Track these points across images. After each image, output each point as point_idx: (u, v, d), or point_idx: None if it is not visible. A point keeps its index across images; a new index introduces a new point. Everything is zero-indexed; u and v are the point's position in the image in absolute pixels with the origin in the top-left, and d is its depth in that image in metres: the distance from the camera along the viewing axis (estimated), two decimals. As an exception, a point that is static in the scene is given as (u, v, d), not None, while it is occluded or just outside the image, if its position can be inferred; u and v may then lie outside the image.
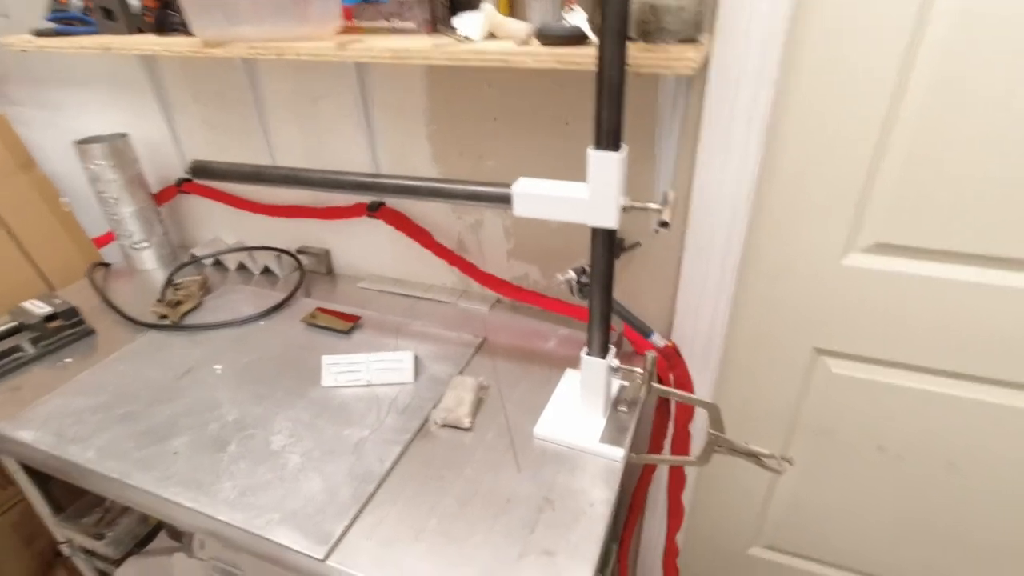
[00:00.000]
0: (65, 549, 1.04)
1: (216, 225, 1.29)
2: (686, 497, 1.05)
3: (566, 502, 0.68)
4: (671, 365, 0.92)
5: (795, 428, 1.04)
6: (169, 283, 1.11)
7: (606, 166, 0.58)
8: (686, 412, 0.94)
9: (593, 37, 0.62)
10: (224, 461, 0.74)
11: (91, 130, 1.24)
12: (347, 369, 0.86)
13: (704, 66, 0.73)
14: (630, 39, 0.59)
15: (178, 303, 1.05)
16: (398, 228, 1.06)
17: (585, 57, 0.60)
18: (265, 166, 0.78)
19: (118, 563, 1.04)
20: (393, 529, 0.65)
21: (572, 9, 0.62)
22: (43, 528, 1.03)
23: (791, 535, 1.18)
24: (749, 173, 0.78)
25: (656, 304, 0.96)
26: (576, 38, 0.62)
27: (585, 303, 0.71)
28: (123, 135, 1.13)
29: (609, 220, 0.61)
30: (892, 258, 0.83)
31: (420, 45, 0.69)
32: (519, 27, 0.69)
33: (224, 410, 0.82)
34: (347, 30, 0.81)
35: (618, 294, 0.97)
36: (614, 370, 0.75)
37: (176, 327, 1.01)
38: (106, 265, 1.24)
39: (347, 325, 1.00)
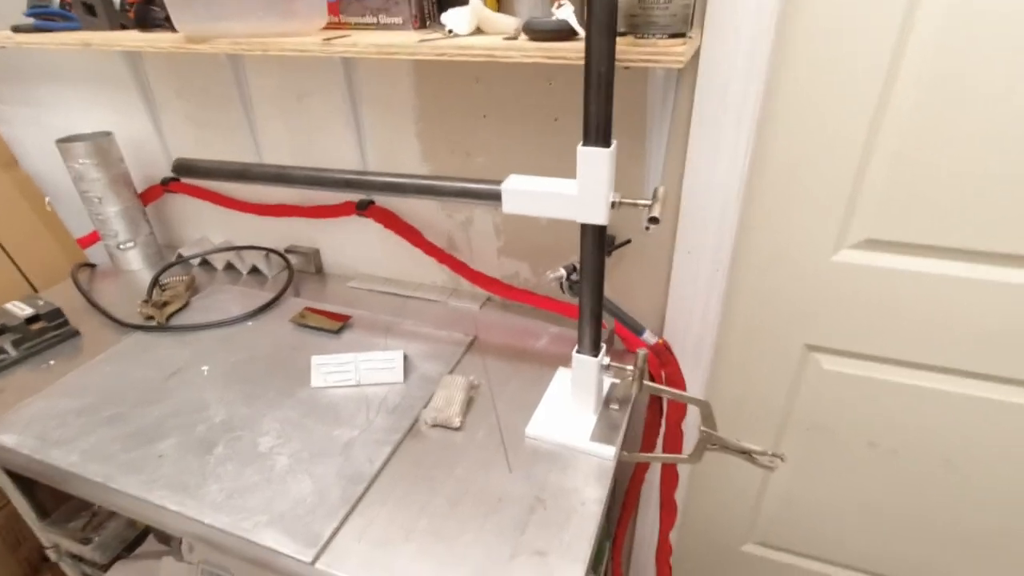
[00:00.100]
0: (51, 554, 1.02)
1: (203, 224, 1.28)
2: (679, 495, 1.05)
3: (558, 501, 0.67)
4: (663, 362, 0.91)
5: (787, 424, 1.04)
6: (155, 283, 1.10)
7: (595, 162, 0.57)
8: (678, 410, 0.93)
9: (581, 31, 0.61)
10: (211, 463, 0.73)
11: (74, 128, 1.22)
12: (336, 369, 0.85)
13: (694, 61, 0.73)
14: (619, 34, 0.59)
15: (165, 304, 1.04)
16: (387, 226, 1.05)
17: (573, 52, 0.59)
18: (251, 164, 0.77)
19: (106, 568, 1.02)
20: (383, 530, 0.64)
21: (560, 3, 0.61)
22: (29, 533, 1.02)
23: (784, 531, 1.18)
24: (739, 169, 0.77)
25: (647, 301, 0.96)
26: (564, 32, 0.61)
27: (576, 301, 0.70)
28: (107, 133, 1.12)
29: (599, 216, 0.60)
30: (883, 254, 0.83)
31: (406, 40, 0.68)
32: (507, 22, 0.68)
33: (211, 411, 0.81)
34: (333, 26, 0.80)
35: (609, 291, 0.96)
36: (605, 368, 0.74)
37: (163, 328, 1.00)
38: (91, 266, 1.22)
39: (337, 325, 0.99)
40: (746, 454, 0.69)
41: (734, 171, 0.78)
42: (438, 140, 0.95)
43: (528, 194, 0.62)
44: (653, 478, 1.09)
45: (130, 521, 1.03)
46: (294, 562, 0.62)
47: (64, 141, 1.07)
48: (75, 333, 0.99)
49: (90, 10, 0.85)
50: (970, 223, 0.77)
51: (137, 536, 1.05)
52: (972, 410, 0.90)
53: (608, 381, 0.82)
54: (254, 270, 1.18)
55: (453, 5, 0.71)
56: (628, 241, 0.91)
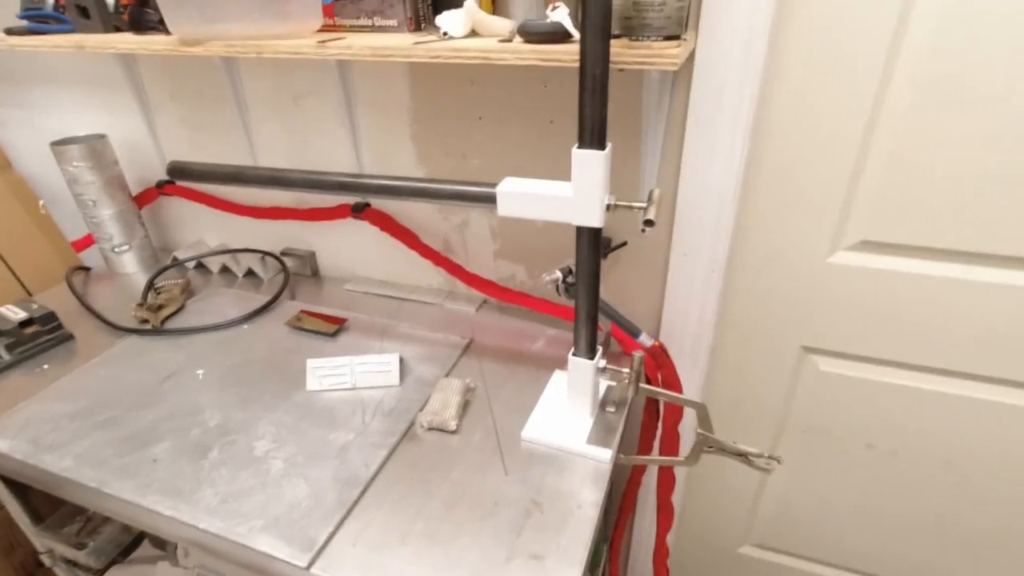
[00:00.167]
0: (46, 559, 1.01)
1: (198, 227, 1.27)
2: (676, 497, 1.05)
3: (554, 504, 0.67)
4: (659, 365, 0.91)
5: (784, 426, 1.04)
6: (150, 286, 1.09)
7: (590, 164, 0.57)
8: (675, 412, 0.93)
9: (576, 34, 0.61)
10: (206, 468, 0.73)
11: (68, 130, 1.21)
12: (332, 372, 0.85)
13: (689, 62, 0.73)
14: (613, 36, 0.59)
15: (160, 307, 1.03)
16: (383, 229, 1.05)
17: (568, 54, 0.59)
18: (246, 167, 0.77)
19: (101, 573, 1.02)
20: (379, 534, 0.64)
21: (555, 6, 0.61)
22: (23, 538, 1.01)
23: (782, 533, 1.18)
24: (735, 170, 0.78)
25: (644, 303, 0.96)
26: (559, 35, 0.61)
27: (572, 303, 0.70)
28: (101, 136, 1.11)
29: (594, 219, 0.60)
30: (878, 256, 0.84)
31: (401, 43, 0.68)
32: (502, 24, 0.68)
33: (206, 415, 0.81)
34: (328, 28, 0.80)
35: (605, 293, 0.96)
36: (601, 371, 0.74)
37: (158, 331, 0.99)
38: (85, 269, 1.22)
39: (332, 328, 0.98)
40: (743, 456, 0.69)
41: (730, 173, 0.78)
42: (433, 142, 0.95)
43: (523, 197, 0.62)
44: (650, 480, 1.09)
45: (125, 526, 1.02)
46: (289, 567, 0.61)
47: (58, 144, 1.06)
48: (69, 337, 0.99)
49: (84, 12, 0.85)
50: (966, 225, 0.77)
51: (132, 541, 1.04)
52: (969, 411, 0.90)
53: (604, 384, 0.82)
54: (250, 273, 1.18)
55: (448, 7, 0.71)
56: (624, 243, 0.90)
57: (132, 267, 1.20)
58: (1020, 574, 1.01)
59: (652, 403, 0.96)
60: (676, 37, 0.59)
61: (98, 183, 1.10)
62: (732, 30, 0.69)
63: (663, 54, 0.57)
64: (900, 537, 1.07)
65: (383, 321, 1.01)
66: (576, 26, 0.60)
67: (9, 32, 0.89)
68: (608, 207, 0.60)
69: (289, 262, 1.18)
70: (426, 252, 1.05)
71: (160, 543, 1.04)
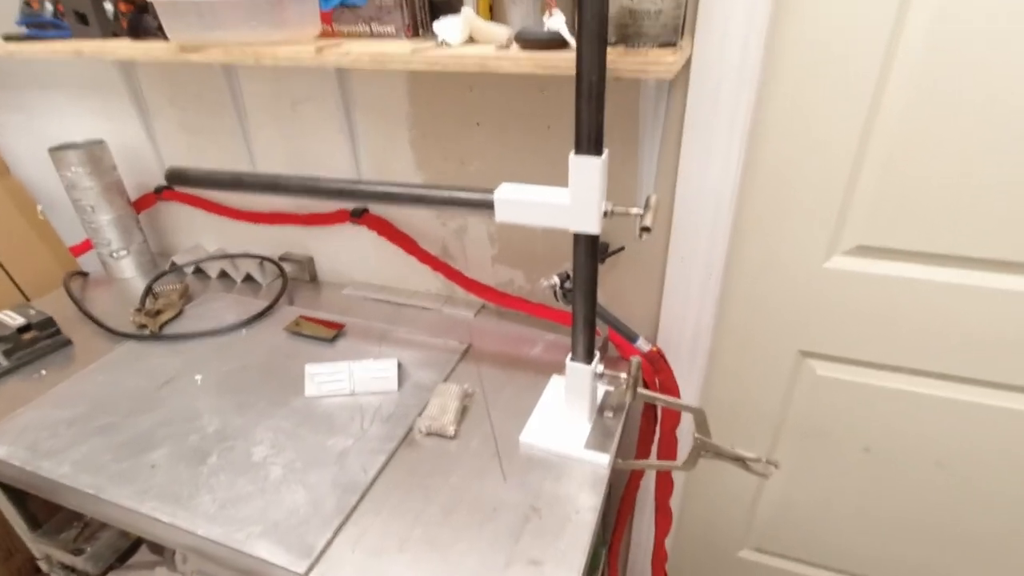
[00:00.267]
0: (43, 565, 1.01)
1: (197, 232, 1.27)
2: (674, 501, 1.05)
3: (552, 509, 0.67)
4: (657, 369, 0.91)
5: (781, 430, 1.05)
6: (149, 292, 1.10)
7: (587, 171, 0.57)
8: (672, 417, 0.93)
9: (573, 41, 0.61)
10: (204, 473, 0.73)
11: (67, 135, 1.21)
12: (330, 378, 0.85)
13: (685, 68, 0.73)
14: (610, 43, 0.59)
15: (158, 312, 1.03)
16: (382, 234, 1.05)
17: (565, 61, 0.60)
18: (244, 172, 0.77)
19: (98, 579, 1.01)
20: (377, 540, 0.64)
21: (552, 13, 0.61)
22: (20, 544, 1.01)
23: (780, 537, 1.18)
24: (731, 176, 0.78)
25: (641, 308, 0.96)
26: (556, 42, 0.61)
27: (570, 308, 0.71)
28: (100, 141, 1.11)
29: (591, 226, 0.60)
30: (874, 260, 0.84)
31: (399, 50, 0.68)
32: (499, 31, 0.69)
33: (204, 421, 0.81)
34: (327, 34, 0.80)
35: (603, 298, 0.97)
36: (599, 376, 0.74)
37: (156, 337, 0.99)
38: (83, 274, 1.21)
39: (331, 333, 0.98)
40: (740, 461, 0.69)
41: (726, 178, 0.78)
42: (432, 147, 0.95)
43: (520, 203, 0.62)
44: (648, 485, 1.09)
45: (123, 532, 1.02)
46: (288, 573, 0.61)
47: (57, 149, 1.06)
48: (67, 342, 0.99)
49: (82, 19, 0.85)
50: (961, 229, 0.77)
51: (130, 547, 1.04)
52: (965, 415, 0.90)
53: (602, 389, 0.83)
54: (248, 278, 1.18)
55: (446, 14, 0.71)
56: (622, 248, 0.91)
57: (130, 272, 1.20)
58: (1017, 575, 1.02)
59: (650, 408, 0.96)
60: (672, 45, 0.60)
61: (96, 188, 1.10)
62: (728, 37, 0.69)
63: (659, 62, 0.57)
64: (898, 540, 1.07)
65: (381, 326, 1.01)
66: (573, 34, 0.61)
67: (7, 38, 0.90)
68: (605, 213, 0.60)
69: (287, 267, 1.18)
70: (424, 257, 1.05)
71: (158, 549, 1.04)
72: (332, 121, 0.99)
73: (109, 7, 0.85)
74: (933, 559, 1.07)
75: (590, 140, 0.56)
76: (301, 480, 0.71)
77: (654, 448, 1.00)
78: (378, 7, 0.76)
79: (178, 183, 0.79)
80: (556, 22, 0.61)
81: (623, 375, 0.73)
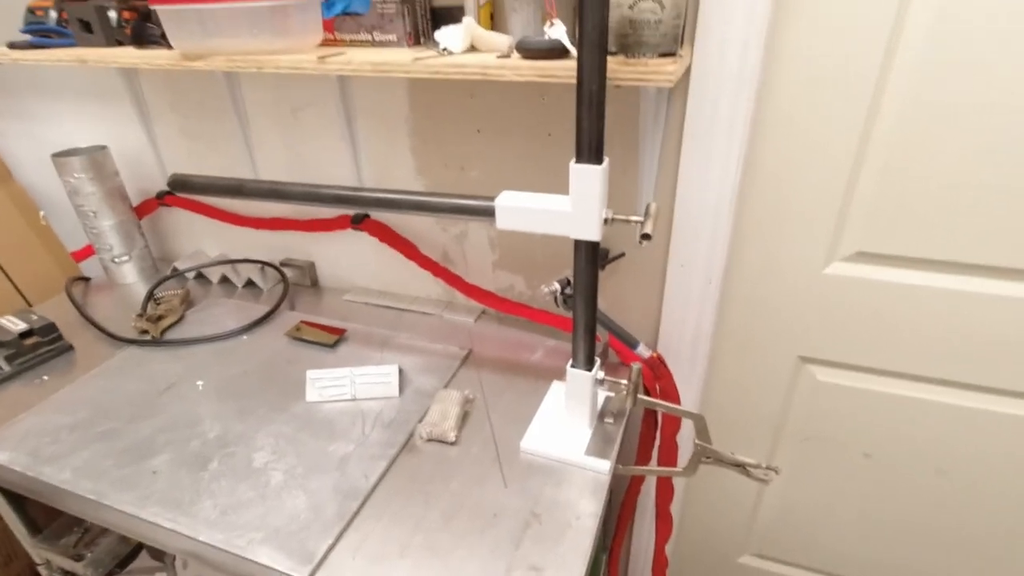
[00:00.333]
0: (43, 571, 1.01)
1: (198, 238, 1.28)
2: (675, 507, 1.05)
3: (553, 516, 0.67)
4: (657, 376, 0.92)
5: (781, 436, 1.05)
6: (150, 297, 1.10)
7: (588, 179, 0.58)
8: (673, 422, 0.94)
9: (573, 50, 0.62)
10: (205, 479, 0.73)
11: (69, 141, 1.22)
12: (332, 384, 0.85)
13: (685, 77, 0.74)
14: (610, 53, 0.60)
15: (159, 317, 1.04)
16: (382, 240, 1.05)
17: (565, 70, 0.60)
18: (247, 180, 0.78)
19: (98, 584, 1.01)
20: (378, 546, 0.64)
21: (553, 23, 0.62)
22: (20, 550, 1.01)
23: (781, 543, 1.18)
24: (731, 183, 0.78)
25: (641, 314, 0.96)
26: (556, 51, 0.62)
27: (570, 314, 0.71)
28: (102, 147, 1.12)
29: (592, 233, 0.61)
30: (874, 266, 0.84)
31: (401, 58, 0.69)
32: (500, 40, 0.69)
33: (206, 427, 0.81)
34: (328, 42, 0.81)
35: (603, 304, 0.97)
36: (600, 382, 0.74)
37: (157, 342, 1.00)
38: (85, 279, 1.22)
39: (332, 338, 0.99)
40: (740, 467, 0.69)
41: (726, 185, 0.79)
42: (432, 154, 0.96)
43: (521, 210, 0.63)
44: (649, 490, 1.09)
45: (123, 537, 1.02)
46: (288, 579, 0.61)
47: (59, 155, 1.07)
48: (69, 348, 0.99)
49: (86, 27, 0.86)
50: (960, 236, 0.78)
51: (130, 552, 1.04)
52: (965, 420, 0.90)
53: (603, 395, 0.83)
54: (249, 283, 1.18)
55: (447, 22, 0.72)
56: (622, 254, 0.91)
57: (132, 277, 1.20)
58: (1018, 583, 1.02)
59: (650, 414, 0.97)
60: (672, 54, 0.60)
61: (99, 194, 1.11)
62: (727, 46, 0.70)
63: (659, 71, 0.58)
64: (899, 546, 1.07)
65: (382, 332, 1.02)
66: (573, 43, 0.61)
67: (12, 46, 0.90)
68: (606, 221, 0.61)
69: (288, 272, 1.19)
70: (425, 263, 1.05)
71: (158, 554, 1.04)
72: (333, 127, 0.99)
73: (113, 15, 0.86)
74: (934, 565, 1.07)
75: (591, 148, 0.57)
76: (302, 486, 0.71)
77: (654, 454, 1.00)
78: (380, 15, 0.76)
79: (181, 190, 0.79)
80: (557, 31, 0.61)
81: (623, 381, 0.73)
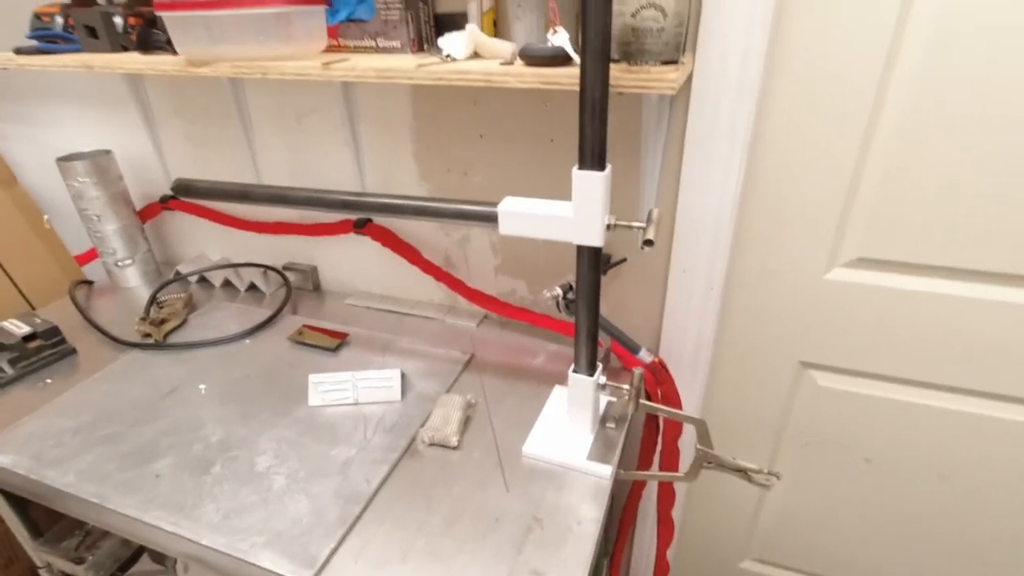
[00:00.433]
0: (44, 574, 1.01)
1: (201, 241, 1.28)
2: (676, 512, 1.05)
3: (555, 520, 0.67)
4: (659, 381, 0.92)
5: (783, 440, 1.05)
6: (153, 301, 1.10)
7: (590, 185, 0.58)
8: (674, 428, 0.94)
9: (576, 58, 0.62)
10: (208, 483, 0.73)
11: (73, 145, 1.23)
12: (334, 388, 0.86)
13: (687, 83, 0.74)
14: (613, 60, 0.60)
15: (162, 321, 1.04)
16: (385, 244, 1.06)
17: (568, 77, 0.60)
18: (251, 185, 0.78)
19: (99, 588, 1.01)
20: (380, 550, 0.64)
21: (556, 30, 0.62)
22: (21, 552, 1.01)
23: (782, 548, 1.18)
24: (732, 189, 0.79)
25: (643, 319, 0.97)
26: (559, 59, 0.62)
27: (572, 319, 0.71)
28: (107, 152, 1.12)
29: (594, 239, 0.61)
30: (874, 272, 0.85)
31: (404, 64, 0.69)
32: (503, 47, 0.70)
33: (208, 430, 0.81)
34: (332, 48, 0.82)
35: (605, 309, 0.97)
36: (601, 387, 0.75)
37: (160, 345, 1.00)
38: (89, 283, 1.22)
39: (334, 342, 0.99)
40: (742, 472, 0.70)
41: (727, 191, 0.79)
42: (435, 159, 0.96)
43: (524, 216, 0.63)
44: (650, 495, 1.09)
45: (124, 540, 1.02)
46: (291, 584, 0.61)
47: (64, 159, 1.07)
48: (72, 351, 0.99)
49: (92, 32, 0.87)
50: (960, 242, 0.78)
51: (131, 556, 1.04)
52: (967, 426, 0.90)
53: (604, 399, 0.83)
54: (252, 287, 1.19)
55: (450, 29, 0.72)
56: (624, 260, 0.91)
57: (135, 281, 1.21)
58: (1020, 590, 1.01)
59: (652, 419, 0.97)
60: (674, 62, 0.61)
61: (103, 198, 1.11)
62: (728, 53, 0.70)
63: (661, 78, 0.58)
64: (900, 550, 1.07)
65: (384, 336, 1.02)
66: (576, 50, 0.62)
67: (18, 52, 0.91)
68: (608, 227, 0.61)
69: (291, 276, 1.19)
70: (427, 267, 1.06)
71: (159, 558, 1.04)
72: (337, 133, 1.00)
73: (119, 21, 0.86)
74: (935, 570, 1.06)
75: (593, 155, 0.57)
76: (304, 490, 0.71)
77: (656, 459, 1.00)
78: (384, 22, 0.77)
79: (186, 195, 0.80)
80: (560, 39, 0.62)
81: (625, 386, 0.73)
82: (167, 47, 0.84)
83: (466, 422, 0.82)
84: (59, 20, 0.91)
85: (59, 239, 1.27)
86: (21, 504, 0.93)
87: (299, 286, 1.20)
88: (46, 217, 1.24)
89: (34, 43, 0.92)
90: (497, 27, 0.78)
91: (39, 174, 1.32)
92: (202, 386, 0.90)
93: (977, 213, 0.76)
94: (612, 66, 0.55)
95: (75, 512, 0.74)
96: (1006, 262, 0.77)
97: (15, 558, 1.19)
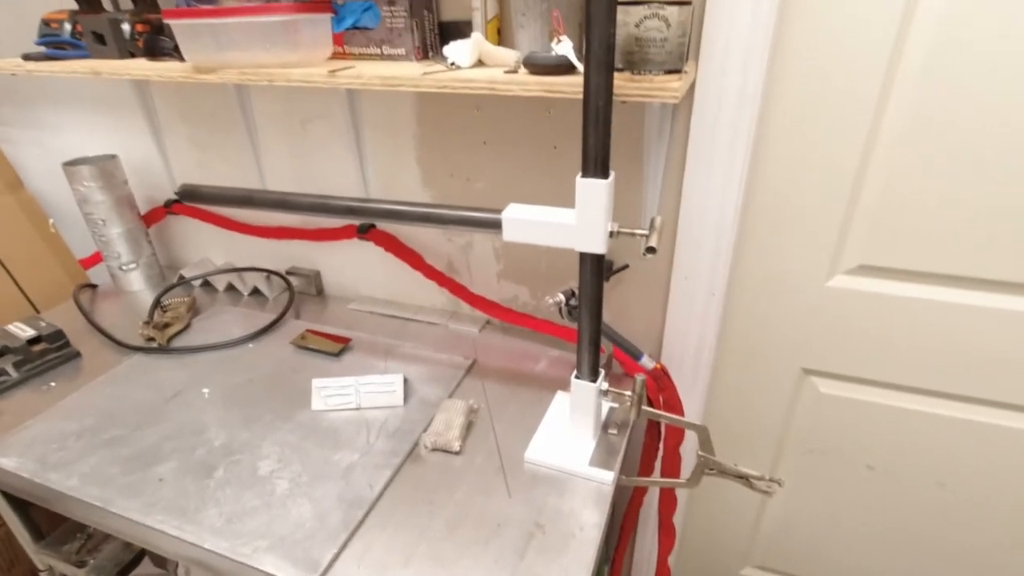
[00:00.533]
0: (45, 577, 1.01)
1: (205, 246, 1.29)
2: (677, 518, 1.05)
3: (556, 526, 0.67)
4: (660, 387, 0.92)
5: (784, 447, 1.05)
6: (157, 304, 1.11)
7: (594, 193, 0.59)
8: (676, 434, 0.94)
9: (580, 66, 0.63)
10: (210, 487, 0.73)
11: (79, 149, 1.24)
12: (337, 392, 0.86)
13: (689, 93, 0.75)
14: (616, 69, 0.61)
15: (166, 325, 1.05)
16: (388, 249, 1.06)
17: (572, 86, 0.61)
18: (256, 190, 0.79)
19: (100, 591, 1.01)
20: (383, 555, 0.64)
21: (560, 39, 0.63)
22: (22, 555, 1.01)
23: (783, 554, 1.18)
24: (734, 196, 0.79)
25: (645, 325, 0.97)
26: (563, 67, 0.63)
27: (575, 325, 0.71)
28: (112, 156, 1.13)
29: (597, 246, 0.61)
30: (876, 280, 0.85)
31: (409, 72, 0.70)
32: (507, 55, 0.70)
33: (211, 434, 0.81)
34: (338, 56, 0.82)
35: (607, 314, 0.97)
36: (604, 393, 0.75)
37: (164, 349, 1.00)
38: (93, 286, 1.23)
39: (337, 347, 0.99)
40: (744, 479, 0.70)
41: (729, 198, 0.80)
42: (439, 165, 0.97)
43: (528, 223, 0.64)
44: (651, 501, 1.09)
45: (126, 544, 1.02)
46: (293, 588, 0.62)
47: (70, 164, 1.08)
48: (76, 354, 1.00)
49: (100, 39, 0.87)
50: (960, 250, 0.78)
51: (132, 559, 1.04)
52: (968, 433, 0.90)
53: (606, 406, 0.83)
54: (255, 291, 1.19)
55: (455, 37, 0.73)
56: (626, 266, 0.92)
57: (139, 285, 1.21)
58: (1022, 598, 1.01)
59: (654, 425, 0.97)
60: (677, 71, 0.61)
61: (108, 202, 1.12)
62: (731, 62, 0.71)
63: (665, 88, 0.58)
64: (901, 557, 1.07)
65: (387, 341, 1.02)
66: (580, 59, 0.62)
67: (26, 58, 0.92)
68: (611, 234, 0.61)
69: (294, 281, 1.19)
70: (430, 273, 1.06)
71: (160, 561, 1.04)
72: (341, 139, 1.01)
73: (126, 28, 0.87)
74: (937, 579, 1.06)
75: (597, 163, 0.57)
76: (307, 494, 0.72)
77: (658, 465, 1.00)
78: (389, 30, 0.78)
79: (191, 200, 0.81)
80: (564, 47, 0.62)
81: (627, 392, 0.73)
82: (174, 54, 0.85)
83: (468, 427, 0.82)
84: (67, 27, 0.92)
85: (64, 243, 1.27)
86: (23, 507, 0.93)
87: (302, 291, 1.21)
88: (51, 221, 1.24)
89: (42, 49, 0.93)
90: (501, 35, 0.79)
91: (45, 178, 1.33)
92: (205, 390, 0.90)
93: (979, 221, 0.76)
94: (616, 75, 0.56)
95: (78, 515, 0.74)
96: (1008, 270, 0.78)
97: (16, 561, 1.19)
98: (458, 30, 0.80)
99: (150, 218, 1.24)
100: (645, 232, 0.61)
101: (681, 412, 0.96)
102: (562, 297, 0.83)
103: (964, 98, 0.70)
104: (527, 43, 0.71)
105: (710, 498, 1.17)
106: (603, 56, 0.53)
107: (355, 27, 0.79)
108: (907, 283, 0.84)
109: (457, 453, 0.78)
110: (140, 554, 1.05)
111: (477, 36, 0.71)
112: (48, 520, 0.98)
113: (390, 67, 0.75)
